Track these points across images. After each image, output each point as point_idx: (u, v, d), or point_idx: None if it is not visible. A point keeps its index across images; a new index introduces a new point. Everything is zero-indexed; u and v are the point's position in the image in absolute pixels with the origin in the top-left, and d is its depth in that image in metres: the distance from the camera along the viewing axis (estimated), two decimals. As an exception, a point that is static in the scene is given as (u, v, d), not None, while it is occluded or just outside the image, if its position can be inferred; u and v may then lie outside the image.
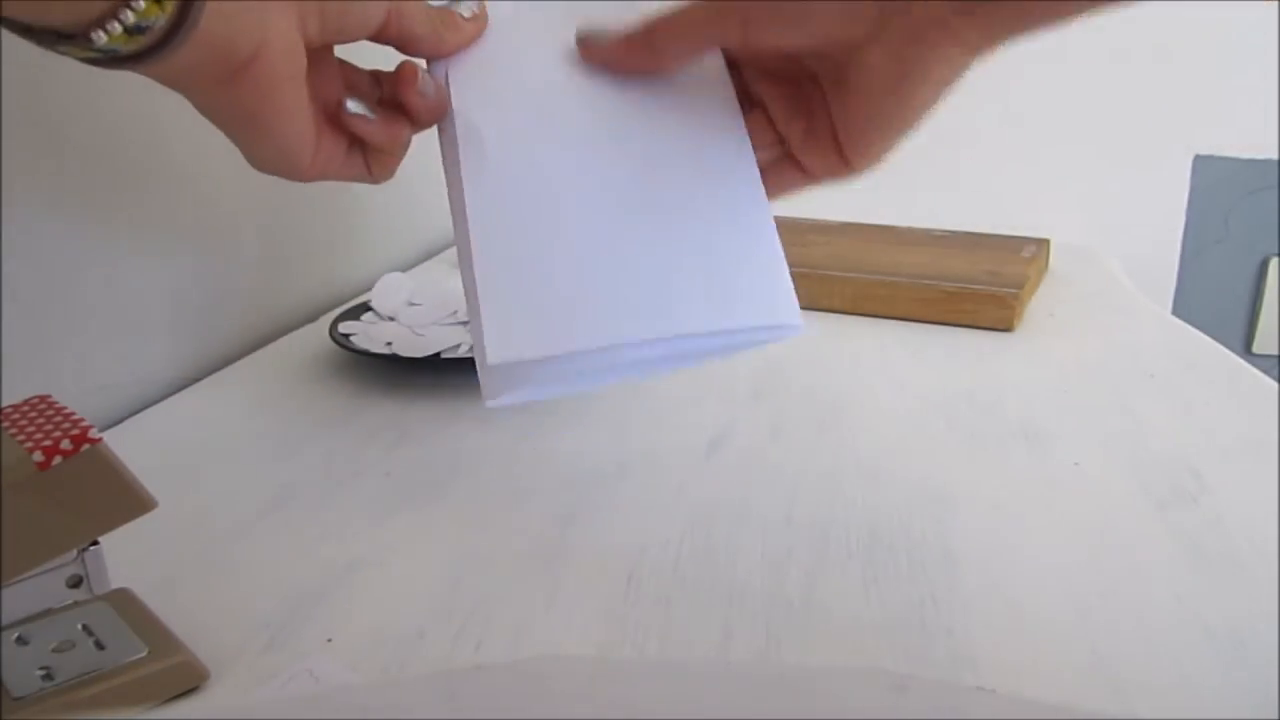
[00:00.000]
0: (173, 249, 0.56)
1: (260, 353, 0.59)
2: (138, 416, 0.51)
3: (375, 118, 0.36)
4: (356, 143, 0.37)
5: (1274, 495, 0.41)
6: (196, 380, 0.56)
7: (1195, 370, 0.57)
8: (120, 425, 0.50)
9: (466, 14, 0.38)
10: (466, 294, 0.36)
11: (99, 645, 0.29)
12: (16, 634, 0.29)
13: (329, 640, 0.32)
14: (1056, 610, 0.33)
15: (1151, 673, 0.30)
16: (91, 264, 0.50)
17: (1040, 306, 0.69)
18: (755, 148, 0.40)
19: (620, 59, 0.39)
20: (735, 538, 0.38)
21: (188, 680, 0.29)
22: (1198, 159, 0.97)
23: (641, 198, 0.37)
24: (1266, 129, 0.94)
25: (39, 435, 0.26)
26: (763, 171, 0.39)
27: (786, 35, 0.36)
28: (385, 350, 0.54)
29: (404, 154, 0.38)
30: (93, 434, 0.26)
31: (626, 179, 0.38)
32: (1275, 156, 0.95)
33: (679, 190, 0.38)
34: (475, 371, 0.34)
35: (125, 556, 0.30)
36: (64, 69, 0.47)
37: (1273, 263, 0.98)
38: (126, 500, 0.27)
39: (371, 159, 0.38)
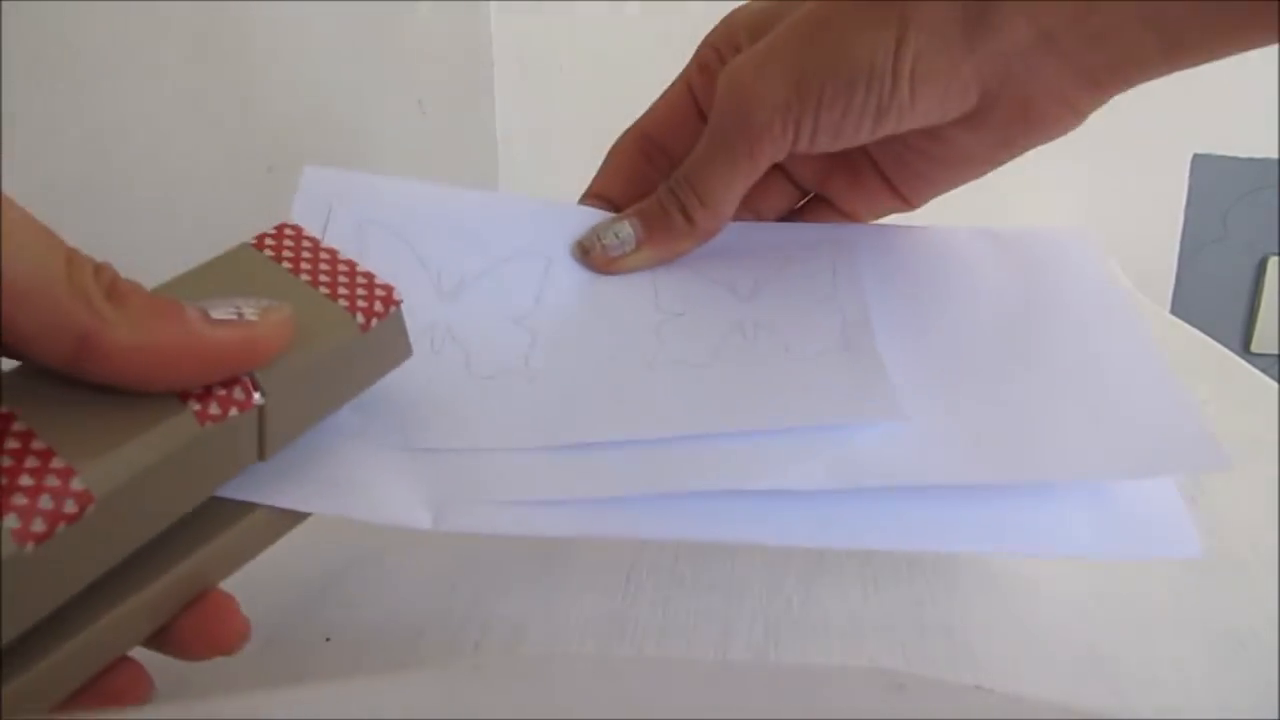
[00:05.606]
0: (172, 248, 0.56)
1: (259, 351, 0.59)
2: (136, 415, 0.51)
3: None
4: None
5: (1274, 495, 0.41)
6: (195, 379, 0.56)
7: (1194, 369, 0.57)
8: (119, 424, 0.50)
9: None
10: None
11: None
12: None
13: (328, 639, 0.32)
14: (1056, 610, 0.33)
15: (1151, 673, 0.30)
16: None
17: (1039, 305, 0.69)
18: (770, 206, 0.35)
19: (661, 251, 0.33)
20: (734, 537, 0.38)
21: None
22: (1196, 158, 0.97)
23: None
24: (1266, 128, 0.94)
25: (349, 293, 0.26)
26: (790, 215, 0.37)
27: (863, 134, 0.30)
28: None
29: None
30: (396, 294, 0.27)
31: None
32: (1275, 156, 0.95)
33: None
34: None
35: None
36: (63, 68, 0.47)
37: (1272, 262, 0.98)
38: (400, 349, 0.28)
39: None
